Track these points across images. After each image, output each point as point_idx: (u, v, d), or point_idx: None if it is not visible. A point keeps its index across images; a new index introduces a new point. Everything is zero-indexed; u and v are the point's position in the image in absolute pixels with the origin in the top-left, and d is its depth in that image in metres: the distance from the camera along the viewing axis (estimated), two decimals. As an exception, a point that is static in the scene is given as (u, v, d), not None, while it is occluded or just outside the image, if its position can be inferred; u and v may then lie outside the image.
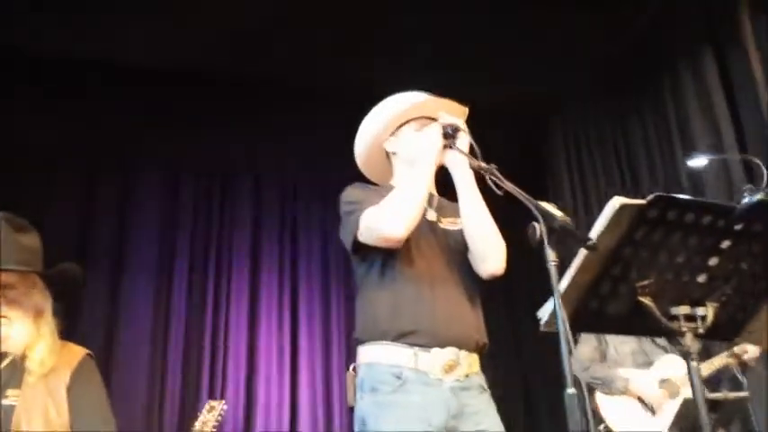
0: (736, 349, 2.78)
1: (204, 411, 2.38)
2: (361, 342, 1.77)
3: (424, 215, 1.80)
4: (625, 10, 5.03)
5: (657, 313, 1.21)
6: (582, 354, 3.25)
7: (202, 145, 5.67)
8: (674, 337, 3.15)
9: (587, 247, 1.10)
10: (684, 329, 1.21)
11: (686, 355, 1.22)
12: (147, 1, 4.29)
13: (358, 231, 1.75)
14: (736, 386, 2.79)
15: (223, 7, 4.42)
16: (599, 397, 3.17)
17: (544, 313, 1.24)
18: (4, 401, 1.52)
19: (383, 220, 1.70)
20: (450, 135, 1.79)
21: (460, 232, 1.86)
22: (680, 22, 4.80)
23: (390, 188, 1.90)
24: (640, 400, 3.08)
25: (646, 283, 1.20)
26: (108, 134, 5.32)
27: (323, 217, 6.28)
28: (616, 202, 1.13)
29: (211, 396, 5.18)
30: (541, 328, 1.24)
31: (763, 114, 4.12)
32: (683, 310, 1.23)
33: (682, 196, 1.16)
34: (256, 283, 5.92)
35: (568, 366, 1.08)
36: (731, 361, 2.77)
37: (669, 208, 1.14)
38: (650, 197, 1.14)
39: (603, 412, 3.12)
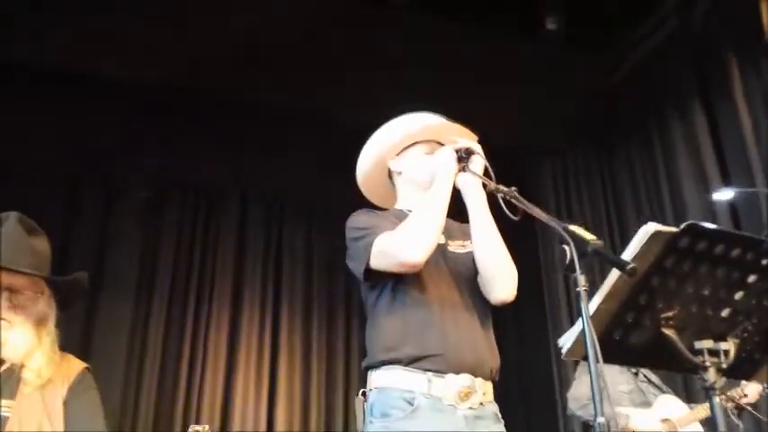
0: (733, 392, 2.77)
1: (188, 435, 2.29)
2: (373, 367, 1.73)
3: None
4: (616, 50, 5.15)
5: (681, 346, 1.18)
6: (580, 392, 3.25)
7: (188, 163, 5.60)
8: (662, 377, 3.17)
9: (627, 272, 1.08)
10: (708, 364, 1.19)
11: (709, 391, 1.19)
12: (137, 14, 4.24)
13: (371, 257, 1.71)
14: (731, 429, 2.78)
15: (211, 25, 4.40)
16: None
17: (566, 341, 1.21)
18: None
19: (402, 245, 1.66)
20: (463, 158, 1.77)
21: (469, 255, 1.84)
22: (670, 67, 4.89)
23: (397, 212, 1.88)
24: None
25: (670, 314, 1.18)
26: (92, 148, 5.23)
27: (308, 238, 6.27)
28: (650, 227, 1.12)
29: (185, 423, 5.05)
30: (563, 357, 1.20)
31: (749, 160, 4.19)
32: (707, 344, 1.20)
33: (713, 226, 1.15)
34: (238, 305, 5.84)
35: (599, 395, 1.05)
36: (726, 405, 2.77)
37: (700, 238, 1.13)
38: (683, 225, 1.12)
39: None
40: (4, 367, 1.52)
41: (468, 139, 1.88)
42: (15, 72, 4.55)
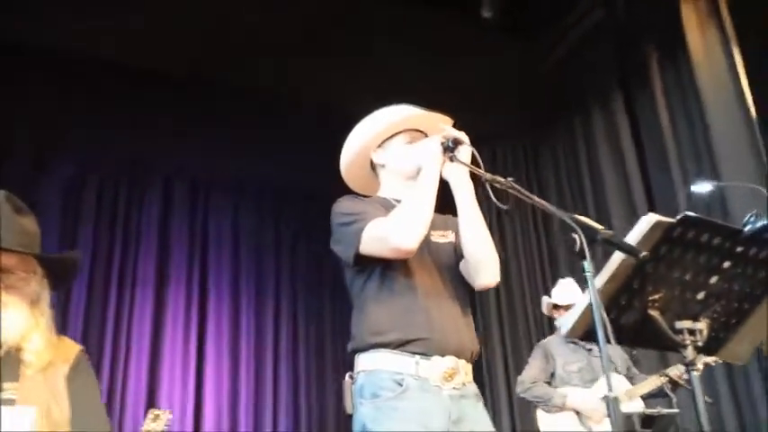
0: (670, 371, 3.03)
1: (148, 420, 2.25)
2: (361, 351, 1.78)
3: None
4: (543, 41, 5.33)
5: (664, 326, 1.30)
6: (526, 376, 3.50)
7: (112, 139, 5.37)
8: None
9: (639, 259, 1.17)
10: (687, 342, 1.31)
11: (689, 366, 1.31)
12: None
13: (361, 243, 1.75)
14: (668, 403, 3.03)
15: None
16: (539, 413, 3.37)
17: (566, 321, 1.30)
18: (2, 395, 1.38)
19: (395, 231, 1.70)
20: (450, 148, 1.81)
21: (450, 245, 1.91)
22: (593, 59, 5.11)
23: (381, 200, 1.93)
24: (579, 417, 3.27)
25: (657, 297, 1.29)
26: (19, 119, 4.93)
27: (234, 219, 6.18)
28: (651, 218, 1.21)
29: (108, 412, 4.89)
30: (565, 336, 1.29)
31: (666, 151, 4.47)
32: (686, 324, 1.32)
33: (704, 217, 1.26)
34: (163, 287, 5.69)
35: (608, 373, 1.14)
36: (663, 380, 3.01)
37: (691, 227, 1.24)
38: (679, 216, 1.23)
39: (541, 426, 3.30)
40: (2, 351, 1.45)
41: (454, 129, 1.93)
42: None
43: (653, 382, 3.09)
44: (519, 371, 5.27)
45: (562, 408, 3.29)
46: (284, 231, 6.40)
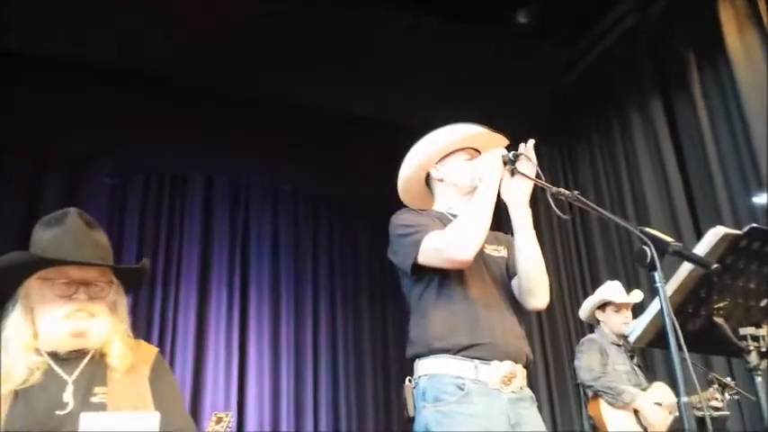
0: (726, 380, 3.05)
1: (212, 422, 2.34)
2: (421, 356, 1.84)
3: None
4: (579, 45, 5.35)
5: (729, 332, 1.34)
6: (593, 364, 3.43)
7: (153, 146, 5.53)
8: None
9: (711, 271, 1.22)
10: (751, 348, 1.35)
11: (753, 372, 1.35)
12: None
13: (419, 253, 1.82)
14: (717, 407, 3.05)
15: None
16: (603, 406, 3.35)
17: (635, 329, 1.36)
18: (93, 399, 1.48)
19: (454, 242, 1.78)
20: (511, 161, 1.88)
21: (502, 260, 1.99)
22: (631, 63, 5.10)
23: (437, 213, 2.02)
24: (637, 417, 3.29)
25: (722, 304, 1.34)
26: (56, 130, 5.11)
27: (274, 223, 6.30)
28: (719, 230, 1.26)
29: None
30: (632, 344, 1.34)
31: (706, 155, 4.46)
32: (749, 330, 1.37)
33: (770, 229, 1.31)
34: (205, 288, 5.84)
35: (681, 378, 1.19)
36: (716, 390, 3.03)
37: (756, 238, 1.28)
38: (746, 228, 1.28)
39: (606, 420, 3.30)
40: (87, 358, 1.55)
41: (498, 145, 2.02)
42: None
43: (707, 395, 3.09)
44: (558, 376, 5.34)
45: (628, 405, 3.29)
46: (322, 233, 6.51)
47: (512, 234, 1.95)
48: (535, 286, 1.89)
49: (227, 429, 2.33)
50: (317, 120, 5.34)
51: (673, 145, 4.79)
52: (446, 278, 1.86)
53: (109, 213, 5.57)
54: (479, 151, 2.06)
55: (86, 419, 0.92)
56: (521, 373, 1.84)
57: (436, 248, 1.80)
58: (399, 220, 1.95)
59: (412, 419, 1.81)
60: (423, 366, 1.83)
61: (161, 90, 5.05)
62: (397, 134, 5.31)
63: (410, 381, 1.85)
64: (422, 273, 1.87)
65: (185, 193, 6.02)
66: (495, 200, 1.85)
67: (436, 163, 2.07)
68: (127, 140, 5.37)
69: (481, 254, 1.90)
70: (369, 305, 6.39)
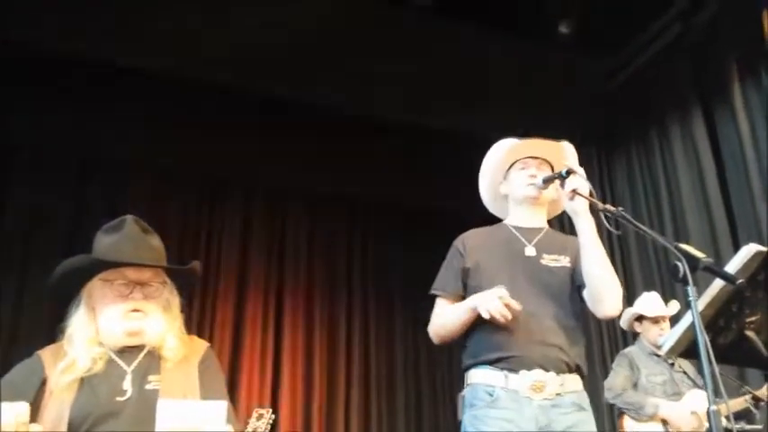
0: (758, 392, 3.04)
1: (253, 419, 2.42)
2: (466, 369, 2.04)
3: (522, 252, 2.07)
4: (619, 55, 5.35)
5: (761, 345, 1.38)
6: (615, 383, 3.50)
7: (192, 153, 5.65)
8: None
9: (737, 286, 1.27)
10: (782, 361, 1.38)
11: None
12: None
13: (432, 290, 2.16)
14: (750, 419, 3.05)
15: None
16: (627, 421, 3.38)
17: (668, 340, 1.40)
18: (148, 386, 1.62)
19: (432, 323, 2.12)
20: (563, 177, 1.94)
21: (563, 270, 2.06)
22: (672, 73, 5.07)
23: (502, 227, 2.20)
24: (665, 428, 3.30)
25: (753, 319, 1.37)
26: (100, 135, 5.27)
27: (310, 233, 6.40)
28: (752, 247, 1.31)
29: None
30: (664, 354, 1.39)
31: (747, 168, 4.41)
32: (780, 344, 1.40)
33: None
34: (242, 295, 5.96)
35: (711, 386, 1.23)
36: (747, 398, 3.02)
37: (789, 256, 1.32)
38: (779, 245, 1.31)
39: None
40: (144, 352, 1.70)
41: (554, 150, 2.14)
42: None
43: (739, 403, 3.09)
44: (592, 390, 5.31)
45: (652, 417, 3.32)
46: (355, 240, 6.59)
47: None
48: (602, 294, 1.96)
49: (268, 426, 2.41)
50: (350, 126, 5.43)
51: (713, 157, 4.73)
52: None
53: (148, 218, 5.70)
54: (546, 160, 2.16)
55: (163, 405, 1.02)
56: (555, 380, 1.90)
57: (432, 319, 2.12)
58: (450, 250, 2.18)
59: (461, 423, 2.01)
60: (467, 377, 2.02)
61: (199, 96, 5.16)
62: (437, 140, 5.42)
63: (462, 390, 2.04)
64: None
65: (224, 198, 6.15)
66: (464, 314, 2.00)
67: (503, 179, 2.21)
68: (168, 146, 5.50)
69: (534, 264, 2.02)
70: (402, 311, 6.44)
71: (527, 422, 1.84)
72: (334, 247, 6.47)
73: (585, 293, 2.01)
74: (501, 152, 2.17)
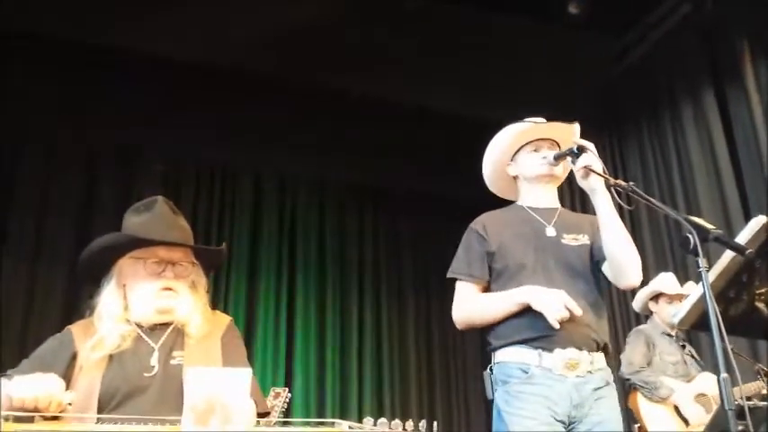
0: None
1: (270, 398, 2.48)
2: (495, 348, 2.04)
3: (543, 233, 2.09)
4: (629, 35, 5.32)
5: (770, 316, 1.40)
6: (634, 358, 3.50)
7: (204, 139, 5.68)
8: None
9: (747, 256, 1.28)
10: (792, 332, 1.40)
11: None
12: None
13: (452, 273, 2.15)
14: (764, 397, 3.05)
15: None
16: (640, 399, 3.40)
17: (679, 312, 1.43)
18: (172, 361, 1.66)
19: (456, 312, 2.11)
20: (575, 154, 1.96)
21: (583, 248, 2.09)
22: (682, 52, 5.04)
23: (518, 208, 2.21)
24: (676, 408, 3.33)
25: (764, 290, 1.39)
26: (111, 120, 5.29)
27: (320, 216, 6.44)
28: (761, 219, 1.32)
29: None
30: (676, 326, 1.41)
31: (759, 146, 4.40)
32: (791, 315, 1.42)
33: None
34: (254, 277, 6.01)
35: (721, 356, 1.25)
36: (762, 385, 3.04)
37: (799, 227, 1.33)
38: (789, 218, 1.32)
39: (643, 414, 3.36)
40: (170, 329, 1.74)
41: (566, 132, 2.16)
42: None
43: (755, 387, 3.10)
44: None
45: (665, 400, 3.34)
46: (367, 226, 6.62)
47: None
48: (624, 265, 1.99)
49: (285, 404, 2.46)
50: (362, 112, 5.44)
51: (725, 137, 4.72)
52: (516, 275, 2.02)
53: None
54: (555, 141, 2.19)
55: (191, 373, 1.06)
56: (587, 359, 1.94)
57: (455, 300, 2.12)
58: (466, 233, 2.18)
59: (491, 402, 2.02)
60: (496, 356, 2.02)
61: (208, 81, 5.17)
62: (447, 126, 5.41)
63: (490, 368, 2.04)
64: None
65: (235, 185, 6.19)
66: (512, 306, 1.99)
67: (510, 161, 2.23)
68: (181, 132, 5.53)
69: (556, 244, 2.05)
70: (413, 296, 6.48)
71: (562, 399, 1.88)
72: (346, 231, 6.50)
73: (606, 267, 2.05)
74: (512, 133, 2.18)
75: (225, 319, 1.85)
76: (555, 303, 1.89)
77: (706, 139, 4.85)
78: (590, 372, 1.94)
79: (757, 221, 1.33)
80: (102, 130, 5.40)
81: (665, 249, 5.06)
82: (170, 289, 1.73)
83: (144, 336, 1.71)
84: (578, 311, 1.89)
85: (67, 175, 5.45)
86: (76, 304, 4.90)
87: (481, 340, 2.20)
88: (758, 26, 4.45)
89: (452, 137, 5.29)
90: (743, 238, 1.34)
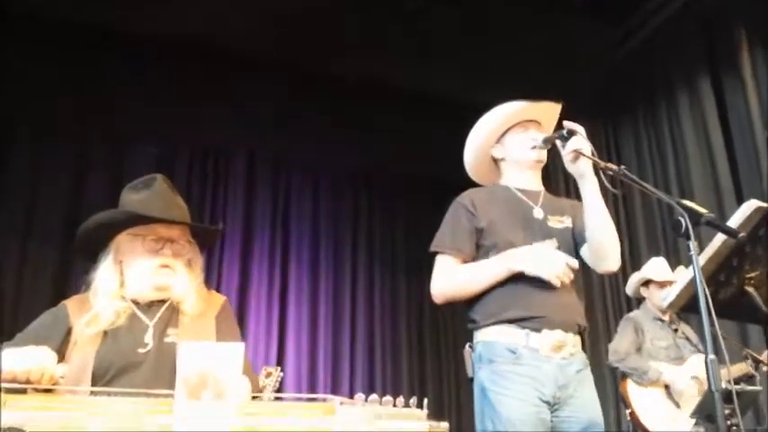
0: (762, 356, 3.08)
1: (261, 377, 2.49)
2: (480, 326, 2.01)
3: (531, 214, 2.08)
4: (626, 22, 5.30)
5: (759, 301, 1.41)
6: (620, 346, 3.56)
7: (197, 121, 5.63)
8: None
9: (738, 239, 1.29)
10: (780, 316, 1.42)
11: (781, 339, 1.42)
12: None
13: (435, 263, 2.09)
14: (750, 381, 3.09)
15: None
16: (630, 385, 3.44)
17: (669, 295, 1.44)
18: (167, 339, 1.66)
19: (435, 288, 2.06)
20: (565, 138, 1.95)
21: (567, 231, 2.09)
22: (680, 40, 5.04)
23: (503, 188, 2.18)
24: (667, 392, 3.37)
25: (753, 275, 1.40)
26: (104, 102, 5.23)
27: (314, 198, 6.44)
28: (753, 203, 1.33)
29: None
30: (665, 307, 1.42)
31: (754, 136, 4.41)
32: (780, 299, 1.43)
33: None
34: (247, 258, 6.02)
35: (710, 338, 1.27)
36: (749, 363, 3.07)
37: (790, 212, 1.34)
38: (780, 202, 1.33)
39: (632, 399, 3.40)
40: (165, 306, 1.74)
41: (551, 112, 2.16)
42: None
43: (741, 369, 3.13)
44: (595, 348, 5.39)
45: (655, 382, 3.38)
46: (362, 204, 6.64)
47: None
48: (606, 251, 2.00)
49: (277, 383, 2.48)
50: (355, 97, 5.42)
51: (720, 125, 4.73)
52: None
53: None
54: (538, 122, 2.17)
55: (183, 347, 1.07)
56: (571, 341, 1.96)
57: (435, 273, 2.07)
58: (453, 207, 2.14)
59: (471, 380, 2.00)
60: (481, 334, 2.00)
61: (204, 61, 5.13)
62: (442, 110, 5.40)
63: (470, 347, 2.03)
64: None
65: (228, 168, 6.17)
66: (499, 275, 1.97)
67: (495, 143, 2.19)
68: (173, 113, 5.49)
69: (542, 226, 2.04)
70: (405, 276, 6.51)
71: (548, 380, 1.89)
72: (340, 211, 6.52)
73: (585, 251, 2.06)
74: (500, 115, 2.16)
75: (219, 299, 1.85)
76: (553, 263, 1.89)
77: (701, 126, 4.86)
78: (572, 354, 1.96)
79: (749, 205, 1.34)
80: (97, 108, 5.34)
81: (657, 235, 5.10)
82: (167, 266, 1.73)
83: (139, 313, 1.72)
84: (575, 264, 1.92)
85: (60, 155, 5.42)
86: (67, 281, 4.92)
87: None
88: (757, 16, 4.45)
89: (451, 121, 5.27)
90: (734, 221, 1.35)
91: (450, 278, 2.03)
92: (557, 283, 1.88)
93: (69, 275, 4.96)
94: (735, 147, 4.63)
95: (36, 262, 5.08)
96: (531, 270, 1.90)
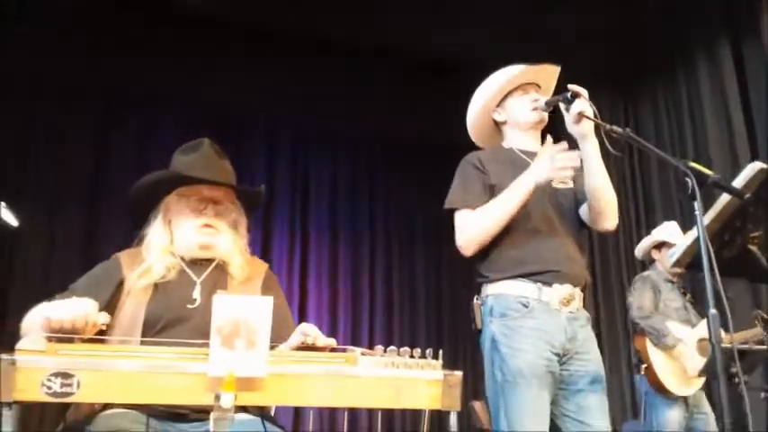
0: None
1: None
2: (491, 280, 2.07)
3: None
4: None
5: (762, 260, 1.47)
6: (644, 304, 3.58)
7: (217, 90, 5.67)
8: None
9: (743, 199, 1.35)
10: (782, 274, 1.48)
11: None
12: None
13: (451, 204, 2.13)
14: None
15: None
16: (648, 341, 3.52)
17: (675, 252, 1.50)
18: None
19: (463, 235, 2.08)
20: (568, 100, 1.99)
21: (570, 191, 2.15)
22: (698, 4, 4.99)
23: (507, 150, 2.23)
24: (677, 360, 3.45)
25: (756, 234, 1.46)
26: (127, 71, 5.30)
27: (333, 164, 6.52)
28: (756, 165, 1.38)
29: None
30: (671, 266, 1.49)
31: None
32: (783, 258, 1.49)
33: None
34: (268, 228, 6.12)
35: (711, 288, 1.33)
36: (759, 322, 3.11)
37: (792, 174, 1.39)
38: (783, 164, 1.38)
39: (650, 354, 3.47)
40: (212, 266, 1.83)
41: (550, 73, 2.22)
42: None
43: (755, 333, 3.16)
44: (608, 311, 5.46)
45: (670, 349, 3.44)
46: (380, 174, 6.70)
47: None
48: (605, 210, 2.07)
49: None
50: (374, 63, 5.44)
51: (738, 90, 4.70)
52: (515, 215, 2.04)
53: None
54: (538, 85, 2.22)
55: (217, 299, 1.15)
56: (578, 295, 2.04)
57: (459, 227, 2.09)
58: (462, 166, 2.19)
59: (479, 332, 2.08)
60: (492, 287, 2.07)
61: (225, 32, 5.19)
62: (455, 75, 5.40)
63: (478, 299, 2.10)
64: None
65: (249, 135, 6.23)
66: (527, 195, 2.00)
67: (497, 106, 2.25)
68: (195, 81, 5.53)
69: (549, 186, 2.08)
70: (423, 235, 6.60)
71: (558, 332, 1.97)
72: (358, 186, 6.60)
73: (583, 210, 2.13)
74: (500, 79, 2.21)
75: (263, 266, 1.93)
76: (559, 158, 1.94)
77: (719, 91, 4.83)
78: (578, 309, 2.04)
79: (752, 167, 1.39)
80: (122, 74, 5.40)
81: (672, 198, 5.13)
82: (210, 226, 1.81)
83: (187, 269, 1.80)
84: (565, 145, 1.97)
85: (86, 121, 5.50)
86: (96, 248, 5.05)
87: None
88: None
89: (466, 87, 5.28)
90: (738, 182, 1.41)
91: (477, 223, 2.04)
92: (569, 174, 1.93)
93: (98, 241, 5.10)
94: (754, 115, 4.60)
95: (64, 230, 5.19)
96: (540, 177, 1.95)
